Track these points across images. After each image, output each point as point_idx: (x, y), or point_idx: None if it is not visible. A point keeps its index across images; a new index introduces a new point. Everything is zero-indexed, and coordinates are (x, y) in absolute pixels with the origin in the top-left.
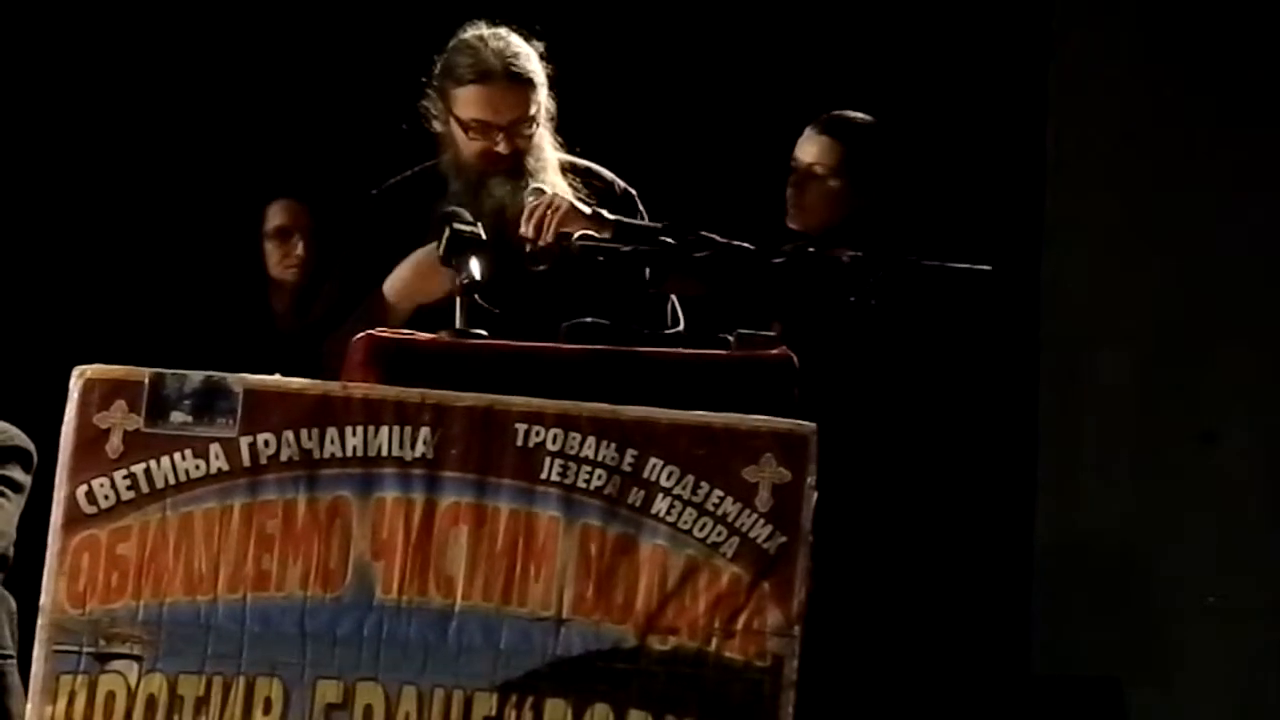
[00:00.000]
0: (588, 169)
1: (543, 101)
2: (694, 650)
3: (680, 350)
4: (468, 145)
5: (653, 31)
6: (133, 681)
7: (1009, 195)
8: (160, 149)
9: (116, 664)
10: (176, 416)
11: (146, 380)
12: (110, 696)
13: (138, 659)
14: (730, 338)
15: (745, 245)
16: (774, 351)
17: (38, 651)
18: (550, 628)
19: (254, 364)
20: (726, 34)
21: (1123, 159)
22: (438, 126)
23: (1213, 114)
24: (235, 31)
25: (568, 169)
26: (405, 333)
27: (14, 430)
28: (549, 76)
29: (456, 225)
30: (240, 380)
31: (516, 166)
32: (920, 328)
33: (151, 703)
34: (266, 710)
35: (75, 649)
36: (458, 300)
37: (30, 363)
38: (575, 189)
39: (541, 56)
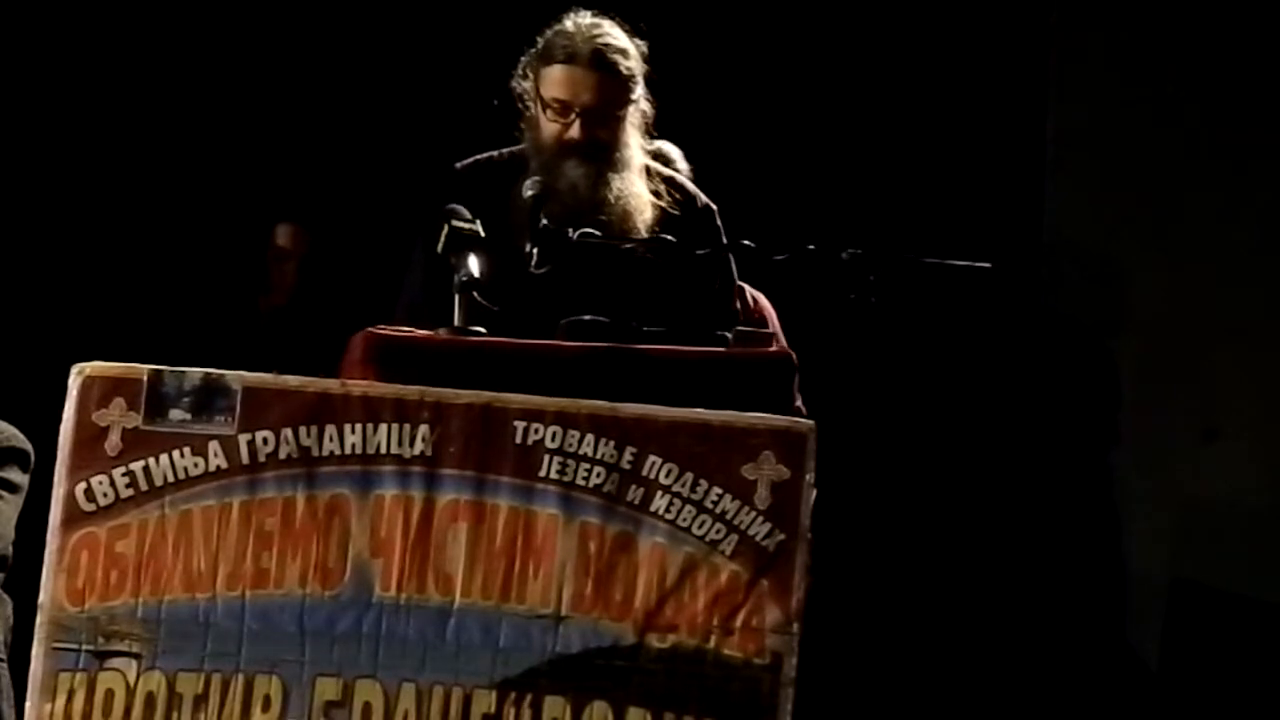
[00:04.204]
0: (671, 178)
1: (633, 99)
2: (693, 648)
3: (679, 348)
4: (547, 126)
5: (652, 28)
6: (131, 679)
7: (1009, 193)
8: (159, 152)
9: (115, 661)
10: (175, 414)
11: (145, 378)
12: (109, 694)
13: (136, 656)
14: (729, 335)
15: (747, 243)
16: (773, 349)
17: (37, 649)
18: (549, 625)
19: (240, 363)
20: (725, 33)
21: (1123, 159)
22: (529, 108)
23: (1212, 113)
24: (244, 40)
25: (653, 174)
26: (404, 330)
27: (12, 430)
28: (646, 78)
29: (455, 223)
30: (239, 378)
31: (594, 152)
32: (920, 325)
33: (150, 700)
34: (265, 708)
35: (74, 646)
36: (456, 298)
37: (30, 361)
38: (658, 195)
39: (644, 58)
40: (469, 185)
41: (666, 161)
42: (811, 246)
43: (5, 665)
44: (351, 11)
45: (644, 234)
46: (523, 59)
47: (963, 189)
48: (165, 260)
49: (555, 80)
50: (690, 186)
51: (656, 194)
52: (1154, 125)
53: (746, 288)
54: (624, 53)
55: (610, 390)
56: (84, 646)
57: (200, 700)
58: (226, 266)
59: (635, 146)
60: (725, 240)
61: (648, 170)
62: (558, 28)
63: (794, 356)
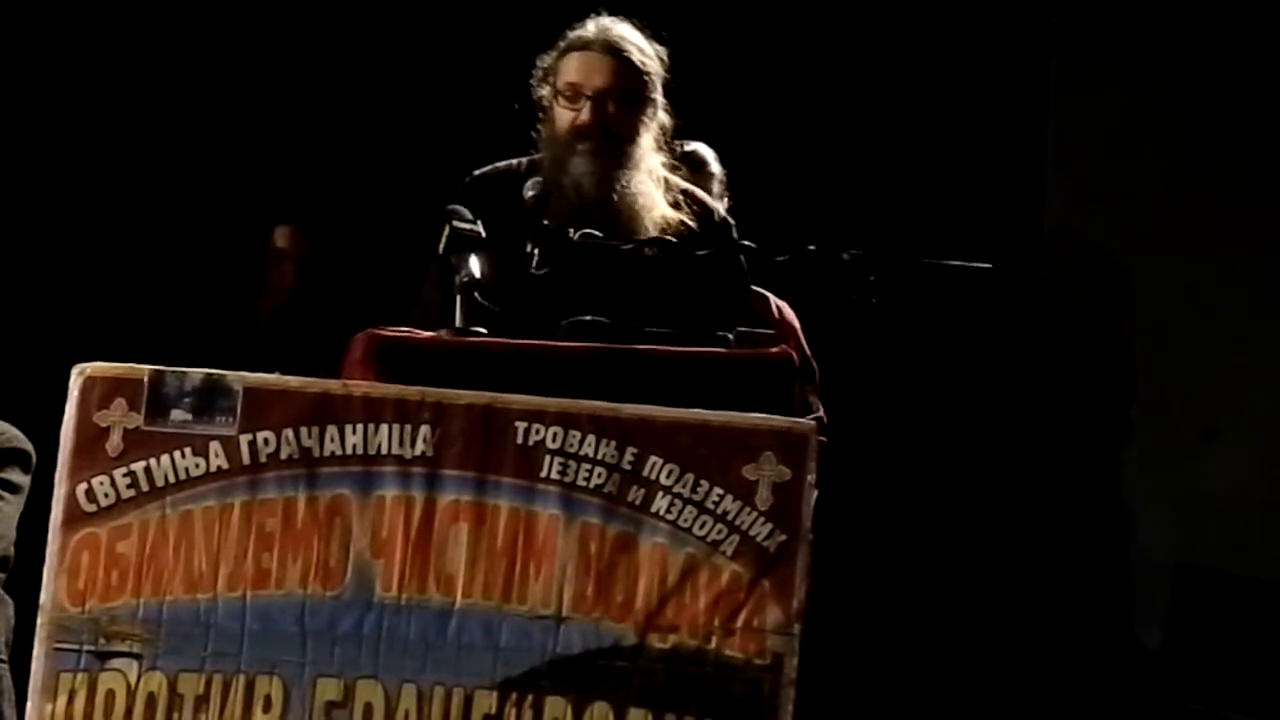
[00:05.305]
0: (688, 190)
1: (649, 96)
2: (694, 648)
3: (680, 348)
4: (560, 116)
5: (653, 26)
6: (133, 680)
7: (1010, 192)
8: (159, 153)
9: (116, 662)
10: (176, 414)
11: (146, 378)
12: (110, 695)
13: (138, 657)
14: (730, 336)
15: (748, 244)
16: (774, 350)
17: (38, 649)
18: (550, 626)
19: (239, 364)
20: (725, 33)
21: (1123, 158)
22: (547, 110)
23: (1212, 113)
24: (243, 42)
25: (670, 186)
26: (405, 331)
27: (13, 431)
28: (664, 83)
29: (456, 223)
30: (240, 378)
31: (602, 146)
32: (922, 325)
33: (151, 701)
34: (266, 708)
35: (75, 647)
36: (457, 298)
37: (31, 362)
38: (676, 207)
39: (661, 61)
40: (483, 192)
41: (700, 164)
42: (812, 247)
43: (6, 666)
44: (349, 13)
45: (651, 235)
46: (541, 63)
47: (964, 188)
48: (164, 261)
49: (569, 67)
50: (708, 200)
51: (675, 206)
52: (1154, 125)
53: (771, 297)
54: (639, 48)
55: (611, 391)
56: (85, 647)
57: (201, 701)
58: (225, 268)
59: (648, 149)
60: (740, 253)
61: (666, 183)
62: (577, 26)
63: (795, 359)
